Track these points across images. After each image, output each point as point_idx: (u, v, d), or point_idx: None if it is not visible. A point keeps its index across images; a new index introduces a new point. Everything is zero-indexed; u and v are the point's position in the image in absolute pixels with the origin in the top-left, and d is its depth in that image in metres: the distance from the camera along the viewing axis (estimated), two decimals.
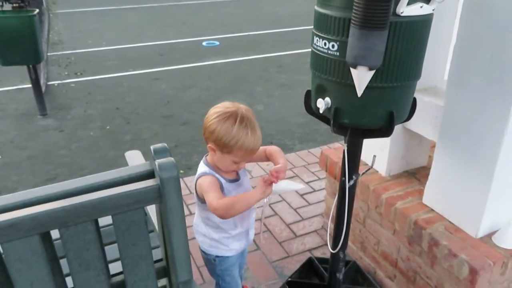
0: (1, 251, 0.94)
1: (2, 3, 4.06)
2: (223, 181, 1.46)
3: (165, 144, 1.09)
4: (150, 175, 1.07)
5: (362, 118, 1.43)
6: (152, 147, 1.08)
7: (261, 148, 1.53)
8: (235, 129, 1.33)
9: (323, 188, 2.83)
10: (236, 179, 1.52)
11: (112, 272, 1.17)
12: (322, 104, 1.46)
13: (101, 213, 0.97)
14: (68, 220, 0.93)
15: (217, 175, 1.45)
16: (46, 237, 0.98)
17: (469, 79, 1.53)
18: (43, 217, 0.91)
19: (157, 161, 1.02)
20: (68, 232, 0.95)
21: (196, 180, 1.46)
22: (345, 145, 1.60)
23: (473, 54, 1.50)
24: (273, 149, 1.56)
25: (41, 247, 0.92)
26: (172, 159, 1.04)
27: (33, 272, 0.94)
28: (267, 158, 1.57)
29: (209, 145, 1.41)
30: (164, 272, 1.23)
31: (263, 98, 5.03)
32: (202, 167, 1.48)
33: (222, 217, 1.38)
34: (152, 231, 1.51)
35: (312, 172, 3.12)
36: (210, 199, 1.36)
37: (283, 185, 1.41)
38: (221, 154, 1.39)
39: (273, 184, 1.37)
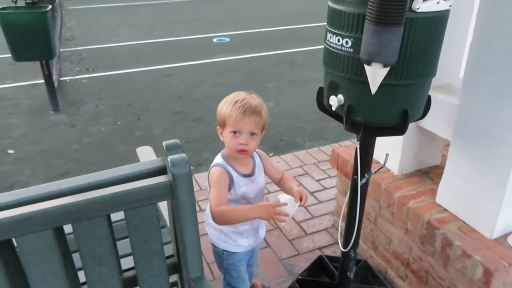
0: (15, 245, 0.94)
1: None
2: (235, 174, 1.47)
3: (177, 140, 1.09)
4: (162, 171, 1.07)
5: (375, 116, 1.42)
6: (164, 143, 1.07)
7: (280, 171, 1.63)
8: (228, 100, 1.44)
9: (334, 186, 2.82)
10: (250, 174, 1.52)
11: (124, 267, 1.18)
12: (334, 101, 1.45)
13: (113, 209, 0.97)
14: (81, 215, 0.94)
15: (229, 168, 1.46)
16: (59, 232, 0.99)
17: (485, 76, 1.50)
18: (57, 212, 0.91)
19: (170, 157, 1.01)
20: (81, 227, 0.95)
21: (210, 170, 1.49)
22: (358, 143, 1.58)
23: (490, 51, 1.47)
24: (289, 177, 1.62)
25: (54, 241, 0.93)
26: (184, 155, 1.03)
27: (46, 266, 0.94)
28: (280, 183, 1.61)
29: (217, 127, 1.49)
30: (175, 268, 1.23)
31: (274, 95, 5.02)
32: (217, 159, 1.52)
33: (215, 221, 1.40)
34: (163, 227, 1.51)
35: (323, 170, 3.10)
36: (211, 197, 1.41)
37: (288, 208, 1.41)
38: (222, 131, 1.46)
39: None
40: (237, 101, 1.41)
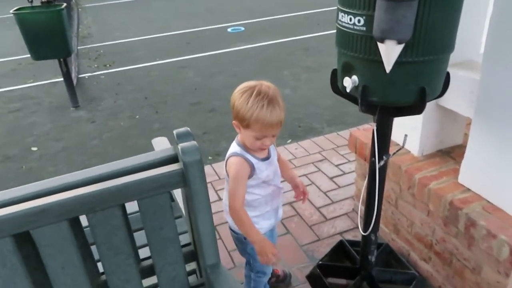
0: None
1: None
2: (254, 161, 1.45)
3: (188, 128, 1.08)
4: (174, 159, 1.06)
5: (392, 96, 1.37)
6: (175, 132, 1.07)
7: (294, 173, 1.72)
8: (250, 101, 1.33)
9: (353, 171, 2.77)
10: (267, 157, 1.51)
11: (142, 256, 1.19)
12: (349, 82, 1.41)
13: (126, 198, 0.97)
14: (95, 206, 0.94)
15: (248, 155, 1.44)
16: (75, 223, 1.00)
17: (506, 50, 1.43)
18: (71, 203, 0.92)
19: (180, 145, 1.01)
20: (95, 218, 0.96)
21: (227, 159, 1.47)
22: (374, 124, 1.54)
23: (511, 25, 1.40)
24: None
25: (70, 232, 0.94)
26: (195, 142, 1.02)
27: (64, 256, 0.95)
28: (290, 181, 1.70)
29: (233, 121, 1.42)
30: (193, 256, 1.24)
31: (290, 81, 4.97)
32: (233, 147, 1.48)
33: (231, 215, 1.44)
34: (180, 216, 1.52)
35: (342, 155, 3.06)
36: (230, 191, 1.41)
37: None
38: (243, 129, 1.40)
39: None
40: (262, 105, 1.32)
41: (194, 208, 1.02)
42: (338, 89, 1.54)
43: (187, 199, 1.06)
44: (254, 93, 1.34)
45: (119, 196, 0.96)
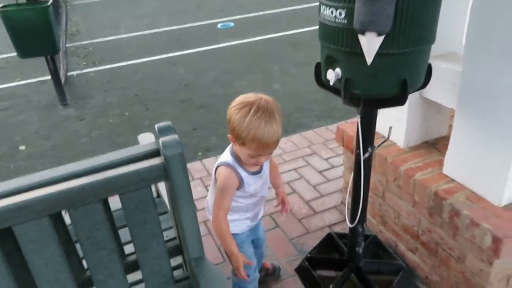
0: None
1: None
2: (244, 174, 1.42)
3: (170, 123, 1.08)
4: (156, 153, 1.07)
5: (374, 88, 1.39)
6: (156, 126, 1.07)
7: (281, 182, 1.70)
8: (247, 119, 1.26)
9: (342, 164, 2.79)
10: (259, 171, 1.48)
11: (128, 252, 1.19)
12: (332, 75, 1.42)
13: (108, 193, 0.97)
14: (76, 201, 0.94)
15: (239, 169, 1.41)
16: (58, 219, 1.00)
17: (488, 41, 1.45)
18: (52, 199, 0.92)
19: (161, 139, 1.01)
20: (77, 213, 0.96)
21: (217, 167, 1.43)
22: (358, 116, 1.56)
23: (492, 15, 1.41)
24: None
25: (52, 228, 0.94)
26: (176, 136, 1.03)
27: (47, 252, 0.95)
28: (275, 187, 1.69)
29: (229, 135, 1.37)
30: (178, 250, 1.24)
31: (280, 76, 4.97)
32: (226, 155, 1.44)
33: (212, 220, 1.44)
34: (166, 212, 1.52)
35: (330, 149, 3.07)
36: (216, 201, 1.41)
37: None
38: (238, 145, 1.34)
39: None
40: (259, 125, 1.26)
41: (177, 202, 1.02)
42: (322, 82, 1.55)
43: (170, 193, 1.06)
44: (252, 111, 1.27)
45: (100, 190, 0.96)
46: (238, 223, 1.56)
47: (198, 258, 1.08)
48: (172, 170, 0.99)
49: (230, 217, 1.48)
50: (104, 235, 0.99)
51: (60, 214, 1.04)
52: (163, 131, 1.05)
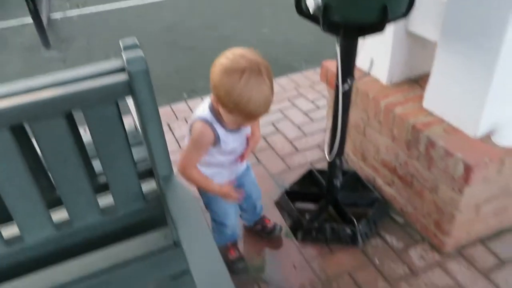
0: None
1: None
2: (221, 131, 1.31)
3: (135, 38, 1.05)
4: (122, 70, 1.03)
5: (354, 13, 1.35)
6: (121, 42, 1.03)
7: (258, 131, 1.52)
8: (237, 90, 1.13)
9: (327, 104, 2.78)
10: (238, 128, 1.37)
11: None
12: (311, 2, 1.38)
13: (70, 106, 0.95)
14: (37, 114, 0.92)
15: (216, 125, 1.30)
16: (20, 133, 0.98)
17: None
18: (12, 111, 0.90)
19: (125, 55, 0.98)
20: (39, 127, 0.94)
21: (193, 122, 1.32)
22: (338, 45, 1.52)
23: None
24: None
25: (13, 141, 0.92)
26: (141, 52, 1.00)
27: (8, 166, 0.95)
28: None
29: (212, 96, 1.26)
30: (151, 172, 1.24)
31: (270, 19, 4.82)
32: (203, 110, 1.32)
33: (179, 171, 1.36)
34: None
35: (317, 91, 3.04)
36: (185, 155, 1.35)
37: None
38: (222, 109, 1.23)
39: None
40: (250, 98, 1.14)
41: (143, 119, 1.01)
42: (302, 10, 1.50)
43: (137, 111, 1.04)
44: (243, 80, 1.12)
45: (62, 104, 0.93)
46: (212, 177, 1.45)
47: (167, 176, 1.08)
48: (136, 86, 0.97)
49: (205, 170, 1.43)
50: (68, 149, 0.98)
51: (23, 128, 1.03)
52: (128, 48, 1.02)
